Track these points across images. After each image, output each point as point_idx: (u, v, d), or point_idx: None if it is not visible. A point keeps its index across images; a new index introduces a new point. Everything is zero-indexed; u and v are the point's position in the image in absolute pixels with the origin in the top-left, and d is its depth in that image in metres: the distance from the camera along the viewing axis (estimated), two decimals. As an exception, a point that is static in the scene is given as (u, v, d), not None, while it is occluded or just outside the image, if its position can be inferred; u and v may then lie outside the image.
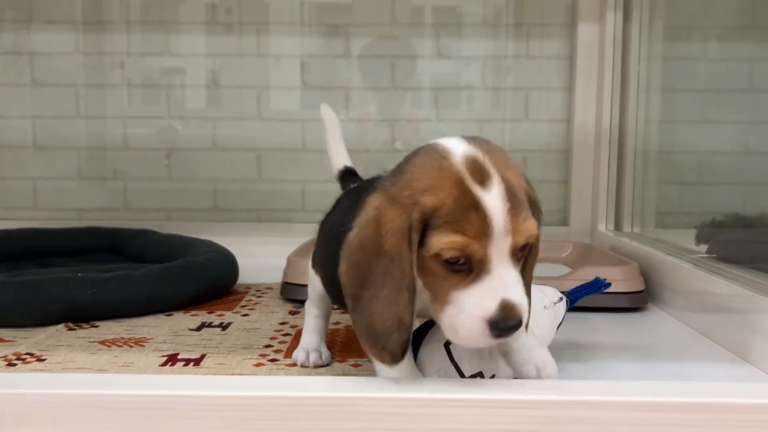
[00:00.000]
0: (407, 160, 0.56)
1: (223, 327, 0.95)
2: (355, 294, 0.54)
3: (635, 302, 1.07)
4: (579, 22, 1.49)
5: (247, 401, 0.57)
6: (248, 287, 1.20)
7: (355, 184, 0.82)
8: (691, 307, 0.99)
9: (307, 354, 0.78)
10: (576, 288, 0.87)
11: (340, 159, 0.88)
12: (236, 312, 1.03)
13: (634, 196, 1.44)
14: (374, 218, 0.53)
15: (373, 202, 0.54)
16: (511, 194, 0.51)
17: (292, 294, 1.09)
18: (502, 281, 0.51)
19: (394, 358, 0.54)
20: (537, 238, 0.54)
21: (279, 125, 1.60)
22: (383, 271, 0.52)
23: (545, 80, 1.58)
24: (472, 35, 1.60)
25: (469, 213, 0.51)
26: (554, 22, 1.56)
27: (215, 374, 0.75)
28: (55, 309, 0.94)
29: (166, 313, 1.01)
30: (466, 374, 0.64)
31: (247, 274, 1.21)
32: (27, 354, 0.81)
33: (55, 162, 1.60)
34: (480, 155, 0.52)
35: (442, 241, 0.51)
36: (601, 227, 1.47)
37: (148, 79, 1.61)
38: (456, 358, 0.64)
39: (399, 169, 0.56)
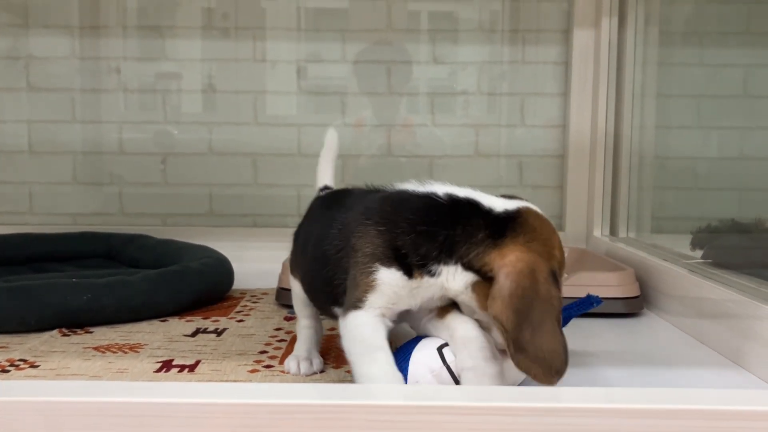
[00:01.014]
0: (522, 221, 0.66)
1: (218, 333, 0.95)
2: (517, 337, 0.62)
3: (631, 308, 1.07)
4: (574, 28, 1.50)
5: (241, 408, 0.57)
6: (243, 293, 1.20)
7: (323, 193, 0.87)
8: (686, 313, 0.99)
9: (298, 363, 0.78)
10: (566, 306, 0.85)
11: (324, 179, 0.91)
12: (231, 318, 1.03)
13: (630, 202, 1.44)
14: (530, 271, 0.63)
15: (521, 256, 0.64)
16: None
17: (288, 300, 1.08)
18: None
19: (561, 374, 0.64)
20: None
21: (275, 130, 1.60)
22: (541, 312, 0.63)
23: (541, 86, 1.58)
24: (467, 41, 1.60)
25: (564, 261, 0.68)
26: (550, 27, 1.57)
27: (210, 380, 0.75)
28: (49, 315, 0.93)
29: (161, 319, 1.01)
30: (457, 375, 0.66)
31: (242, 280, 1.21)
32: (20, 360, 0.81)
33: (50, 167, 1.60)
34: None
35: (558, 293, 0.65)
36: (597, 232, 1.47)
37: (144, 83, 1.60)
38: (448, 360, 0.66)
39: (521, 227, 0.66)
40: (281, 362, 0.82)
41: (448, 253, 0.65)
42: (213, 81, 1.60)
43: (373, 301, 0.65)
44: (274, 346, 0.89)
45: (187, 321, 1.01)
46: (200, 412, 0.57)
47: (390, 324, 0.67)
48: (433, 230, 0.65)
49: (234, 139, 1.60)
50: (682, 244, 1.16)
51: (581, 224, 1.53)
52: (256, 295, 1.18)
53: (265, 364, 0.81)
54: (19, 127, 1.59)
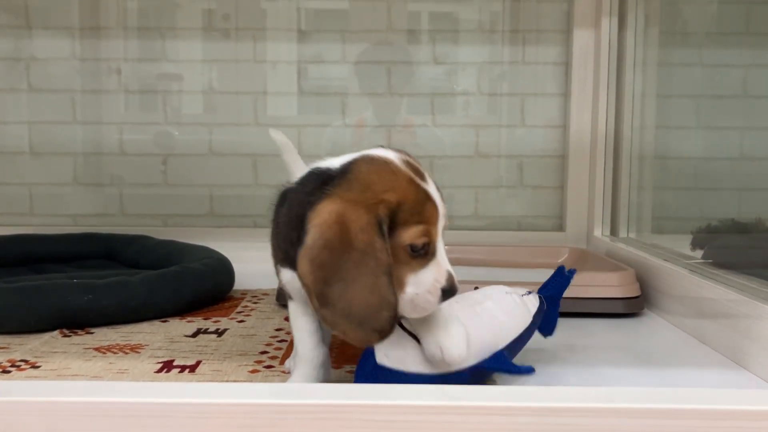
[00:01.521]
0: (349, 169, 0.63)
1: (219, 333, 0.95)
2: (323, 291, 0.59)
3: (631, 308, 1.07)
4: (574, 28, 1.50)
5: (241, 408, 0.57)
6: (244, 293, 1.20)
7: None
8: (686, 313, 0.99)
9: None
10: (544, 285, 0.85)
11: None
12: (232, 318, 1.03)
13: (630, 202, 1.44)
14: (337, 220, 0.59)
15: (328, 207, 0.60)
16: (437, 186, 0.64)
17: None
18: (443, 257, 0.64)
19: (383, 335, 0.60)
20: None
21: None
22: (356, 264, 0.59)
23: (541, 86, 1.58)
24: (467, 41, 1.60)
25: (425, 204, 0.62)
26: (550, 28, 1.57)
27: (211, 381, 0.75)
28: (50, 315, 0.93)
29: (162, 320, 1.01)
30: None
31: (243, 280, 1.21)
32: (21, 361, 0.81)
33: (51, 168, 1.60)
34: (408, 159, 0.65)
35: (413, 231, 0.61)
36: (597, 233, 1.47)
37: (145, 85, 1.61)
38: (410, 329, 0.68)
39: (344, 177, 0.62)
40: (282, 362, 0.82)
41: (299, 232, 0.61)
42: (213, 82, 1.60)
43: (292, 294, 0.70)
44: (274, 346, 0.89)
45: (188, 321, 1.01)
46: (201, 412, 0.57)
47: None
48: (290, 215, 0.64)
49: (234, 140, 1.60)
50: (682, 244, 1.16)
51: (582, 224, 1.53)
52: (256, 296, 1.18)
53: (265, 364, 0.81)
54: (20, 128, 1.59)
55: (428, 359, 0.66)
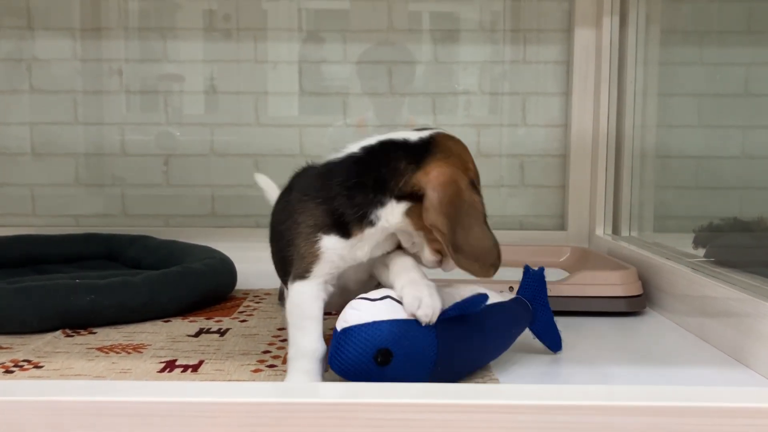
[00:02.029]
0: (435, 143, 0.73)
1: (222, 333, 0.95)
2: (453, 239, 0.69)
3: (633, 306, 1.07)
4: (575, 27, 1.50)
5: (244, 407, 0.57)
6: (246, 293, 1.20)
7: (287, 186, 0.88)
8: (689, 311, 0.99)
9: None
10: (520, 287, 0.88)
11: None
12: (234, 318, 1.03)
13: (632, 201, 1.44)
14: (452, 181, 0.70)
15: (444, 170, 0.71)
16: None
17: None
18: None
19: (496, 269, 0.73)
20: None
21: (277, 131, 1.60)
22: (468, 215, 0.71)
23: (542, 85, 1.58)
24: (468, 41, 1.60)
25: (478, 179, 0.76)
26: (551, 27, 1.57)
27: (213, 380, 0.75)
28: (53, 315, 0.93)
29: (164, 319, 1.01)
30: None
31: (245, 280, 1.21)
32: (24, 361, 0.81)
33: (52, 168, 1.60)
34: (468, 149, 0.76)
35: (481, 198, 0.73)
36: (599, 231, 1.47)
37: (146, 85, 1.61)
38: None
39: (436, 147, 0.73)
40: (284, 362, 0.82)
41: (381, 194, 0.71)
42: (215, 82, 1.60)
43: (318, 270, 0.72)
44: (277, 345, 0.89)
45: (190, 321, 1.01)
46: (203, 411, 0.57)
47: (330, 289, 0.74)
48: (362, 181, 0.72)
49: (236, 140, 1.60)
50: (684, 242, 1.16)
51: (583, 223, 1.53)
52: (259, 295, 1.18)
53: (268, 363, 0.81)
54: (22, 130, 1.59)
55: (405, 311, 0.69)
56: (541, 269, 0.88)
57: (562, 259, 1.37)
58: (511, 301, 0.85)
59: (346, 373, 0.67)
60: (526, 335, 0.92)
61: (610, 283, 1.07)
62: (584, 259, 1.33)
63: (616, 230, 1.47)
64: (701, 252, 1.11)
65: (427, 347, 0.69)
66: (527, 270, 0.88)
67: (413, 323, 0.69)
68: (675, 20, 1.46)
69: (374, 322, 0.68)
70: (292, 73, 1.60)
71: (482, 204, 0.73)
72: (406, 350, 0.68)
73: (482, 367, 0.80)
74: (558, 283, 1.08)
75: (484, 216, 0.73)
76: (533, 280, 0.87)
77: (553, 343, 0.87)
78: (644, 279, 1.11)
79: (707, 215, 1.18)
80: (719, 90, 1.35)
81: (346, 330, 0.68)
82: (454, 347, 0.72)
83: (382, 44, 1.60)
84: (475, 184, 0.74)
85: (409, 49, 1.60)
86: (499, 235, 1.62)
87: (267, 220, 1.72)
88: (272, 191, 0.98)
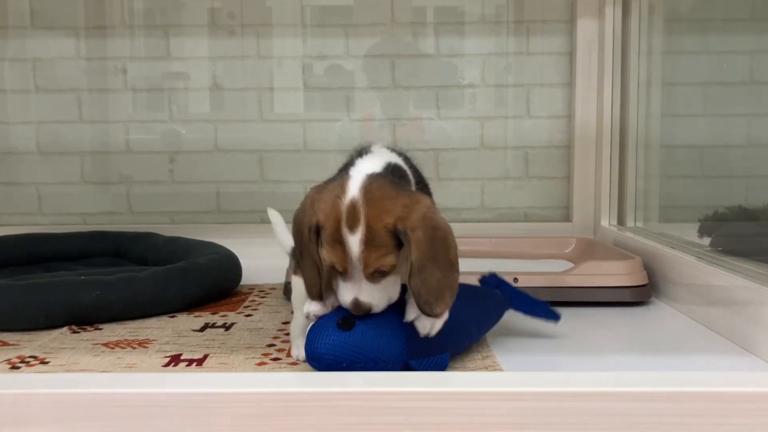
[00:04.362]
0: (339, 173, 0.74)
1: (227, 327, 0.95)
2: (297, 257, 0.75)
3: (639, 296, 1.07)
4: (578, 17, 1.49)
5: (248, 398, 0.57)
6: (251, 288, 1.20)
7: None
8: (694, 300, 0.98)
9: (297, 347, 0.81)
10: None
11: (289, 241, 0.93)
12: (239, 312, 1.03)
13: (637, 191, 1.43)
14: (303, 206, 0.73)
15: (310, 192, 0.73)
16: (369, 238, 0.68)
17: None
18: (357, 287, 0.70)
19: (314, 298, 0.74)
20: (393, 266, 0.70)
21: (280, 127, 1.60)
22: (303, 247, 0.73)
23: (546, 77, 1.58)
24: (472, 33, 1.60)
25: (336, 244, 0.69)
26: (554, 18, 1.56)
27: (217, 373, 0.75)
28: (59, 312, 0.94)
29: (170, 315, 1.02)
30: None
31: (250, 275, 1.22)
32: (31, 357, 0.82)
33: (58, 167, 1.61)
34: (360, 203, 0.68)
35: (323, 252, 0.70)
36: (604, 222, 1.47)
37: (151, 83, 1.61)
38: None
39: (333, 178, 0.74)
40: (289, 355, 0.82)
41: None
42: (219, 79, 1.61)
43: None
44: (281, 339, 0.89)
45: (196, 316, 1.01)
46: (207, 401, 0.57)
47: None
48: None
49: (240, 137, 1.60)
50: (689, 232, 1.15)
51: (589, 214, 1.52)
52: (264, 290, 1.18)
53: (272, 357, 0.82)
54: (28, 129, 1.60)
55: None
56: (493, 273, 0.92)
57: (567, 251, 1.37)
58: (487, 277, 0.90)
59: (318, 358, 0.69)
60: (527, 326, 0.92)
61: (616, 273, 1.06)
62: (590, 250, 1.33)
63: (621, 221, 1.46)
64: (706, 241, 1.11)
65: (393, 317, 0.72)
66: (482, 280, 0.91)
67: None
68: (678, 9, 1.45)
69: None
70: (296, 68, 1.60)
71: (314, 248, 0.72)
72: (371, 324, 0.70)
73: (467, 346, 0.82)
74: (563, 273, 1.08)
75: (313, 260, 0.73)
76: (491, 279, 0.91)
77: (546, 312, 0.88)
78: (650, 269, 1.11)
79: (712, 204, 1.18)
80: (724, 78, 1.35)
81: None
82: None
83: (386, 38, 1.60)
84: (311, 229, 0.71)
85: (413, 43, 1.60)
86: (504, 227, 1.62)
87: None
88: (281, 227, 0.96)
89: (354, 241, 0.68)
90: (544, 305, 0.89)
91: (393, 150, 0.79)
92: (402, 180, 0.74)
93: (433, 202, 0.74)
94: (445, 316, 0.71)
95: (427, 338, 0.72)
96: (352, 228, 0.68)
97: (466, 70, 1.60)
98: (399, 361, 0.70)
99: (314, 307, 0.75)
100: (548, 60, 1.57)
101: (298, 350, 0.79)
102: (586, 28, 1.49)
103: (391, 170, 0.73)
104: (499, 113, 1.60)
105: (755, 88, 1.29)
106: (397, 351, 0.70)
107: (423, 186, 0.79)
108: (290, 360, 0.80)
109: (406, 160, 0.79)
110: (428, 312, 0.68)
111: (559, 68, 1.57)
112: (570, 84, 1.56)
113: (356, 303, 0.70)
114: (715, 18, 1.37)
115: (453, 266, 0.70)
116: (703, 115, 1.39)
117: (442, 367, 0.72)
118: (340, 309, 0.72)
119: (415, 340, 0.71)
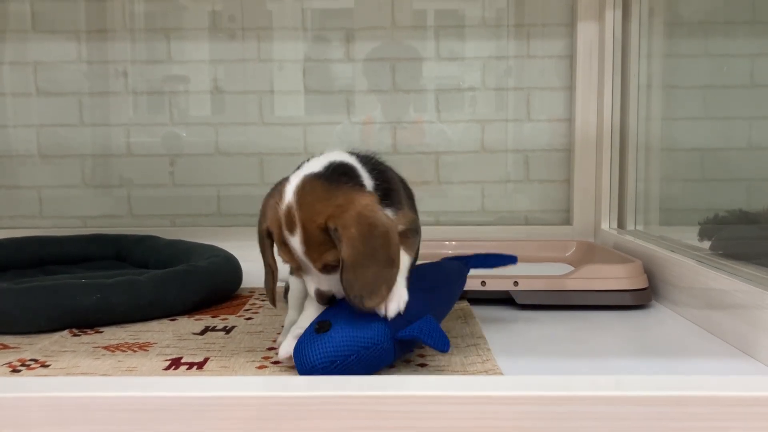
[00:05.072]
0: (286, 179, 0.77)
1: (227, 331, 0.95)
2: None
3: (639, 299, 1.07)
4: (579, 21, 1.50)
5: (249, 401, 0.57)
6: (252, 291, 1.20)
7: None
8: (695, 304, 0.98)
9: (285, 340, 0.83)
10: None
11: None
12: (240, 316, 1.04)
13: (637, 194, 1.43)
14: (260, 213, 0.79)
15: (264, 198, 0.79)
16: (307, 239, 0.72)
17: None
18: (315, 280, 0.76)
19: (270, 301, 0.82)
20: (338, 259, 0.72)
21: (281, 130, 1.61)
22: (262, 253, 0.80)
23: (546, 80, 1.58)
24: (472, 37, 1.60)
25: (283, 246, 0.75)
26: (554, 21, 1.57)
27: (218, 377, 0.75)
28: (59, 315, 0.94)
29: (170, 318, 1.02)
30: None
31: (250, 278, 1.22)
32: (31, 360, 0.82)
33: (59, 170, 1.61)
34: (294, 207, 0.73)
35: (278, 253, 0.77)
36: (605, 225, 1.47)
37: (152, 86, 1.61)
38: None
39: (279, 182, 0.78)
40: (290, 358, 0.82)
41: None
42: (219, 82, 1.61)
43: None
44: (282, 342, 0.89)
45: (196, 319, 1.01)
46: (208, 405, 0.57)
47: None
48: None
49: (241, 140, 1.61)
50: (690, 235, 1.15)
51: (589, 217, 1.52)
52: (264, 293, 1.18)
53: (273, 360, 0.82)
54: (28, 132, 1.61)
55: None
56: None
57: (568, 254, 1.37)
58: (442, 260, 0.93)
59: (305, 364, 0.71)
60: (527, 329, 0.92)
61: (616, 277, 1.07)
62: (590, 253, 1.33)
63: (621, 224, 1.46)
64: (707, 244, 1.11)
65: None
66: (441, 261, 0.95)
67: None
68: (678, 12, 1.45)
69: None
70: (297, 72, 1.60)
71: (266, 251, 0.79)
72: (343, 317, 0.73)
73: (445, 312, 0.87)
74: (564, 277, 1.08)
75: (267, 263, 0.80)
76: (449, 259, 0.95)
77: (501, 259, 0.95)
78: (650, 272, 1.11)
79: (712, 207, 1.18)
80: (724, 82, 1.35)
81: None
82: None
83: (386, 42, 1.60)
84: (263, 233, 0.78)
85: (413, 46, 1.60)
86: (505, 230, 1.62)
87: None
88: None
89: (295, 243, 0.73)
90: (498, 255, 0.95)
91: (353, 152, 0.81)
92: (346, 178, 0.75)
93: (399, 200, 0.79)
94: (402, 298, 0.74)
95: (402, 315, 0.73)
96: (291, 231, 0.73)
97: (466, 73, 1.60)
98: (387, 339, 0.72)
99: (291, 317, 0.83)
100: (548, 63, 1.58)
101: (283, 348, 0.79)
102: (586, 31, 1.49)
103: (334, 169, 0.76)
104: (499, 116, 1.60)
105: (756, 91, 1.29)
106: (381, 331, 0.72)
107: (387, 187, 0.79)
108: (291, 363, 0.80)
109: (367, 161, 0.81)
110: (359, 305, 0.71)
111: (560, 71, 1.57)
112: (570, 87, 1.56)
113: (318, 293, 0.76)
114: (716, 21, 1.37)
115: (393, 262, 0.72)
116: (703, 119, 1.39)
117: (430, 326, 0.73)
118: (314, 322, 0.75)
119: (392, 319, 0.72)
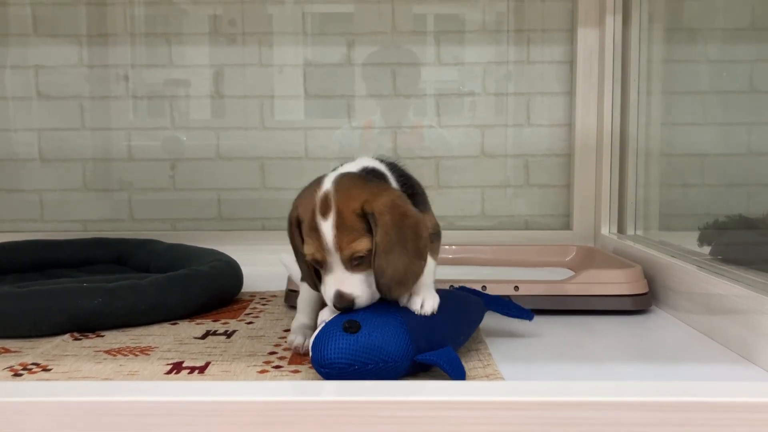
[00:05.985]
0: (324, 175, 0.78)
1: (228, 335, 0.95)
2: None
3: (639, 305, 1.07)
4: (579, 26, 1.50)
5: (250, 407, 0.58)
6: (253, 295, 1.20)
7: None
8: (695, 309, 0.99)
9: (301, 333, 0.87)
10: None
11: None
12: (241, 320, 1.04)
13: (637, 199, 1.44)
14: (296, 200, 0.79)
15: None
16: (340, 223, 0.73)
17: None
18: (338, 279, 0.74)
19: (312, 287, 0.82)
20: (369, 250, 0.73)
21: (282, 134, 1.61)
22: (294, 246, 0.80)
23: (546, 85, 1.58)
24: (472, 42, 1.60)
25: (313, 233, 0.74)
26: (554, 27, 1.57)
27: (219, 381, 0.75)
28: (61, 319, 0.94)
29: (172, 322, 1.02)
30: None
31: (251, 282, 1.22)
32: (33, 364, 0.82)
33: (60, 174, 1.61)
34: (331, 193, 0.74)
35: (304, 246, 0.76)
36: (605, 230, 1.47)
37: (152, 90, 1.62)
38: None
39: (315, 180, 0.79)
40: (291, 362, 0.82)
41: None
42: (220, 87, 1.61)
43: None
44: (283, 347, 0.89)
45: (197, 324, 1.01)
46: (209, 410, 0.57)
47: None
48: None
49: (242, 144, 1.61)
50: (689, 240, 1.16)
51: (589, 223, 1.53)
52: (265, 297, 1.19)
53: (274, 364, 0.82)
54: (30, 136, 1.61)
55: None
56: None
57: (567, 259, 1.37)
58: (456, 289, 0.92)
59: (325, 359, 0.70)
60: (528, 334, 0.92)
61: (616, 282, 1.07)
62: (590, 258, 1.33)
63: (621, 229, 1.47)
64: (707, 249, 1.11)
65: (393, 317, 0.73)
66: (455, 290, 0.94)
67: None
68: (678, 18, 1.46)
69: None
70: (297, 76, 1.61)
71: (297, 241, 0.78)
72: (374, 324, 0.72)
73: (462, 343, 0.85)
74: (564, 282, 1.08)
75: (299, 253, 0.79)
76: (463, 290, 0.95)
77: (519, 311, 0.91)
78: (650, 277, 1.11)
79: (712, 213, 1.18)
80: (724, 87, 1.35)
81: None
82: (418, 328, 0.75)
83: (386, 46, 1.60)
84: (292, 221, 0.79)
85: (413, 51, 1.60)
86: (505, 235, 1.63)
87: (272, 223, 1.75)
88: (295, 270, 0.98)
89: (327, 227, 0.73)
90: (517, 306, 0.92)
91: (381, 159, 0.85)
92: (378, 179, 0.79)
93: (424, 203, 0.82)
94: (436, 299, 0.76)
95: (427, 335, 0.73)
96: (325, 214, 0.73)
97: (466, 78, 1.61)
98: (407, 359, 0.71)
99: (325, 315, 0.78)
100: (549, 68, 1.58)
101: (297, 340, 0.85)
102: (586, 36, 1.49)
103: (367, 172, 0.79)
104: (499, 121, 1.61)
105: (755, 97, 1.29)
106: (404, 349, 0.71)
107: (412, 192, 0.82)
108: (292, 368, 0.80)
109: (393, 167, 0.84)
110: (386, 294, 0.72)
111: (560, 77, 1.57)
112: (570, 92, 1.56)
113: (339, 294, 0.74)
114: (715, 27, 1.38)
115: (421, 254, 0.74)
116: (703, 124, 1.39)
117: (450, 355, 0.73)
118: (341, 316, 0.73)
119: (416, 338, 0.72)
